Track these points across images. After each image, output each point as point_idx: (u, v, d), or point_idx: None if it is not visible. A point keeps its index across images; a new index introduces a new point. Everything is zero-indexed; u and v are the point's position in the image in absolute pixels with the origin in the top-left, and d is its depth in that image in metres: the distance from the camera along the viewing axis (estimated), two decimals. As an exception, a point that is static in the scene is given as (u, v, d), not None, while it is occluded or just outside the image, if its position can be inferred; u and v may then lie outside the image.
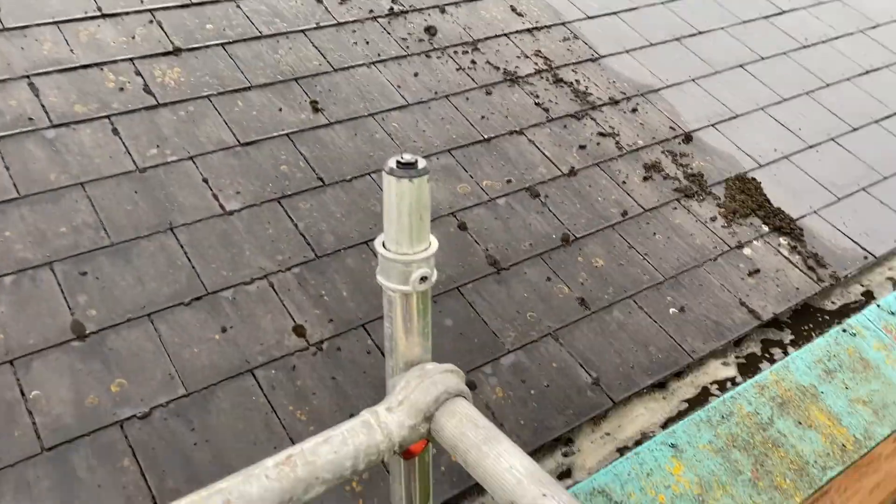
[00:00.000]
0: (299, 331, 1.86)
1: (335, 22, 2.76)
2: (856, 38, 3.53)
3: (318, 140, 2.35)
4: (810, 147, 2.87)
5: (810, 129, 2.95)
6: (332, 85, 2.54)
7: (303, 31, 2.69)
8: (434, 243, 1.13)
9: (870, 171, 2.84)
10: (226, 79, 2.42)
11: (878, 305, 2.38)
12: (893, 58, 3.47)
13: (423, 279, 1.11)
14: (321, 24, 2.73)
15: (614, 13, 3.24)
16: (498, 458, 1.01)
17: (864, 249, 2.53)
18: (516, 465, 1.00)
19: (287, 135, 2.34)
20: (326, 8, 2.80)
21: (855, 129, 3.00)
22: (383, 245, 1.13)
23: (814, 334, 2.28)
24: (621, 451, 1.89)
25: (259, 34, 2.61)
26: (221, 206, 2.08)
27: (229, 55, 2.51)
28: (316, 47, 2.65)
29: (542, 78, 2.83)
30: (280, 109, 2.40)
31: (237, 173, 2.18)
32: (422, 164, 1.01)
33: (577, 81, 2.87)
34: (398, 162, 1.01)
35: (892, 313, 2.38)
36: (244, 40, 2.58)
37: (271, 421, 1.68)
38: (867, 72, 3.33)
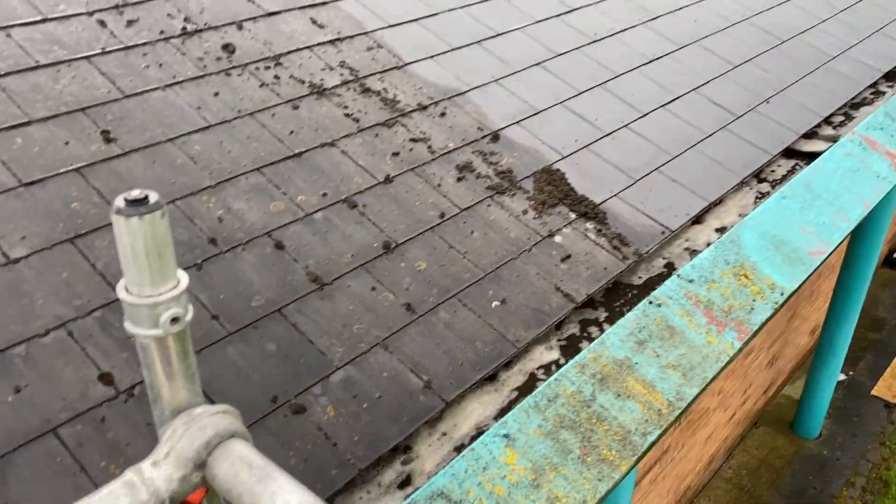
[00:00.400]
0: (106, 378, 1.74)
1: (123, 46, 2.61)
2: (638, 30, 3.83)
3: (113, 172, 2.21)
4: (606, 135, 3.08)
5: (605, 118, 3.16)
6: (125, 112, 2.39)
7: (87, 57, 2.51)
8: (183, 280, 1.07)
9: (660, 152, 3.08)
10: (-1, 115, 2.22)
11: (678, 275, 2.58)
12: (673, 46, 3.79)
13: (175, 320, 1.06)
14: (107, 49, 2.57)
15: (416, 20, 3.30)
16: (272, 497, 0.99)
17: (662, 225, 2.75)
18: (292, 502, 0.98)
19: (77, 170, 2.17)
20: (112, 32, 2.64)
21: (644, 115, 3.25)
22: (126, 290, 1.05)
23: (625, 309, 2.44)
24: (458, 449, 1.93)
25: (36, 64, 2.41)
26: (5, 255, 1.90)
27: (2, 88, 2.30)
28: (103, 74, 2.48)
29: (349, 89, 2.83)
30: (67, 143, 2.23)
31: (21, 216, 2.00)
32: (153, 198, 0.97)
33: (385, 90, 2.89)
34: (126, 199, 0.96)
35: (691, 281, 2.59)
36: (18, 72, 2.37)
37: (81, 481, 1.56)
38: (651, 61, 3.62)
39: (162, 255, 0.98)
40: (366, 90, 2.85)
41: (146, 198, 0.95)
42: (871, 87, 4.08)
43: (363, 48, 3.04)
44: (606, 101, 3.27)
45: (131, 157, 2.27)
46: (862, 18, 4.72)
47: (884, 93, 4.06)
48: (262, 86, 2.69)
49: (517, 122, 2.98)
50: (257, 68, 2.75)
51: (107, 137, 2.29)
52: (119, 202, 0.95)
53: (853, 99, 3.91)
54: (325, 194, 2.40)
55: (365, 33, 3.12)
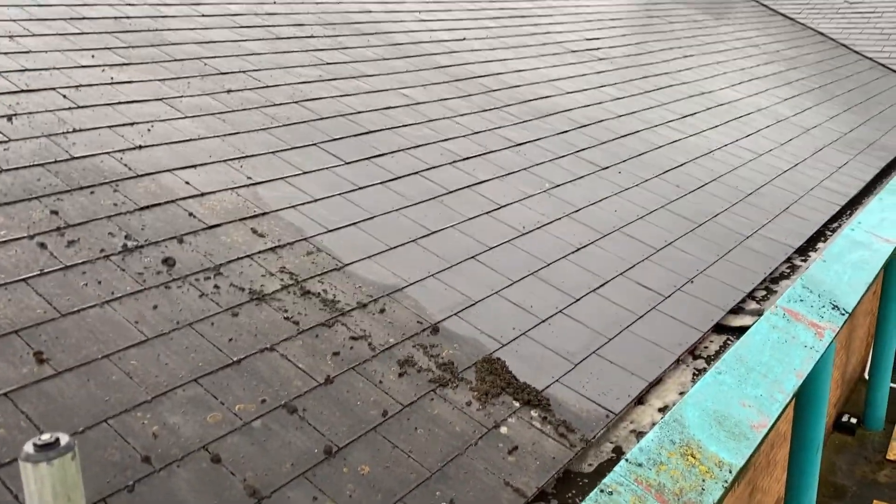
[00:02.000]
0: None
1: (62, 266, 2.65)
2: (564, 221, 4.08)
3: (44, 394, 2.15)
4: (543, 321, 3.17)
5: (540, 305, 3.27)
6: (60, 332, 2.38)
7: (24, 279, 2.54)
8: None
9: (596, 335, 3.18)
10: (-74, 342, 2.18)
11: (627, 460, 2.57)
12: (597, 235, 4.04)
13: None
14: (46, 270, 2.60)
15: (354, 224, 3.47)
16: None
17: (605, 408, 2.77)
18: None
19: (5, 394, 2.11)
20: (52, 253, 2.69)
21: (577, 300, 3.38)
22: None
23: (578, 500, 2.38)
24: None
25: (-29, 288, 2.42)
26: (-83, 493, 1.79)
27: (-68, 315, 2.28)
28: (40, 295, 2.50)
29: (289, 292, 2.89)
30: (-4, 367, 2.18)
31: (-61, 449, 1.91)
32: (64, 440, 0.95)
33: (325, 291, 2.96)
34: (35, 444, 0.95)
35: (640, 465, 2.57)
36: (-49, 297, 2.37)
37: None
38: (578, 249, 3.83)
39: (72, 498, 0.95)
40: (306, 293, 2.92)
41: (56, 441, 0.94)
42: (786, 261, 4.37)
43: (303, 253, 3.15)
44: (540, 289, 3.40)
45: (64, 378, 2.23)
46: (768, 201, 5.14)
47: (799, 266, 4.34)
48: (201, 296, 2.73)
49: (456, 314, 3.06)
50: (197, 279, 2.80)
51: (39, 358, 2.26)
52: (28, 448, 0.93)
53: (772, 274, 4.16)
54: (263, 401, 2.37)
55: (305, 239, 3.24)
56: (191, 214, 3.17)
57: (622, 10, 10.31)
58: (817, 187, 5.64)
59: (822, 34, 12.25)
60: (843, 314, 3.78)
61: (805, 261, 4.41)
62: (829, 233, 4.93)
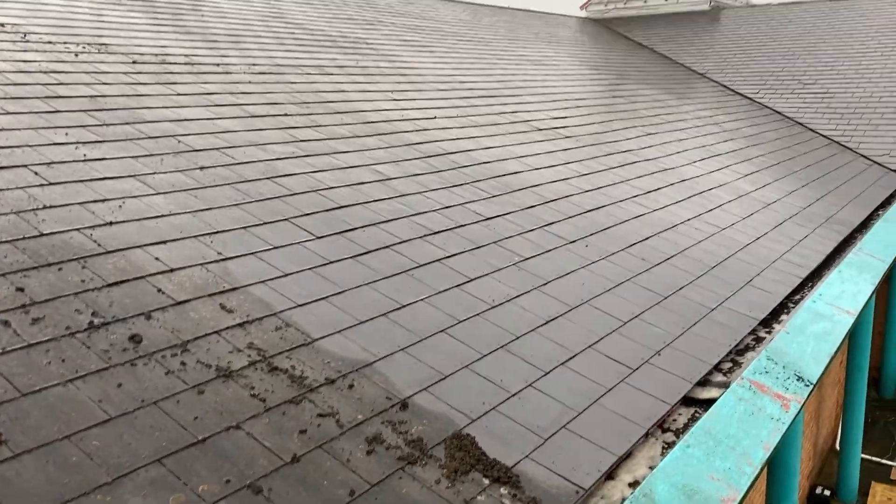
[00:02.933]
0: None
1: (25, 344, 2.62)
2: (533, 294, 4.13)
3: (0, 477, 2.09)
4: (513, 395, 3.17)
5: (510, 379, 3.28)
6: (20, 412, 2.33)
7: (-15, 356, 2.50)
8: None
9: (566, 409, 3.18)
10: None
11: (597, 535, 2.54)
12: (566, 307, 4.09)
13: None
14: (7, 349, 2.57)
15: (324, 298, 3.48)
16: None
17: (575, 484, 2.75)
18: None
19: (-41, 477, 2.06)
20: (15, 331, 2.66)
21: (546, 374, 3.40)
22: None
23: (548, 579, 2.34)
24: None
25: (-71, 367, 2.38)
26: None
27: None
28: (1, 375, 2.46)
29: (256, 369, 2.87)
30: (-49, 449, 2.13)
31: None
32: None
33: (293, 367, 2.95)
34: None
35: (610, 540, 2.55)
36: None
37: None
38: (547, 321, 3.87)
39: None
40: (273, 369, 2.90)
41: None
42: (751, 333, 4.44)
43: (271, 328, 3.15)
44: (510, 363, 3.42)
45: (22, 460, 2.17)
46: (732, 273, 5.27)
47: (763, 338, 4.42)
48: (167, 373, 2.70)
49: (425, 389, 3.05)
50: (164, 356, 2.78)
51: (-3, 439, 2.21)
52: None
53: (737, 346, 4.22)
54: (228, 481, 2.33)
55: (274, 314, 3.25)
56: (159, 290, 3.16)
57: (587, 91, 10.71)
58: (779, 260, 5.79)
59: (779, 113, 12.80)
60: (808, 385, 3.83)
61: (769, 332, 4.50)
62: (792, 305, 5.04)
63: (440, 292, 3.85)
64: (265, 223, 4.00)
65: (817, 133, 11.94)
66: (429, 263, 4.11)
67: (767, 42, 15.65)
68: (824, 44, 14.86)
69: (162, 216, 3.76)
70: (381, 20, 10.89)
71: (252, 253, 3.67)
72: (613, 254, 5.04)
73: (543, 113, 8.43)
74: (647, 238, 5.51)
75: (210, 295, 3.24)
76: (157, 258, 3.38)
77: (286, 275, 3.57)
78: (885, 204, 8.91)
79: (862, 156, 11.10)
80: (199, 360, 2.82)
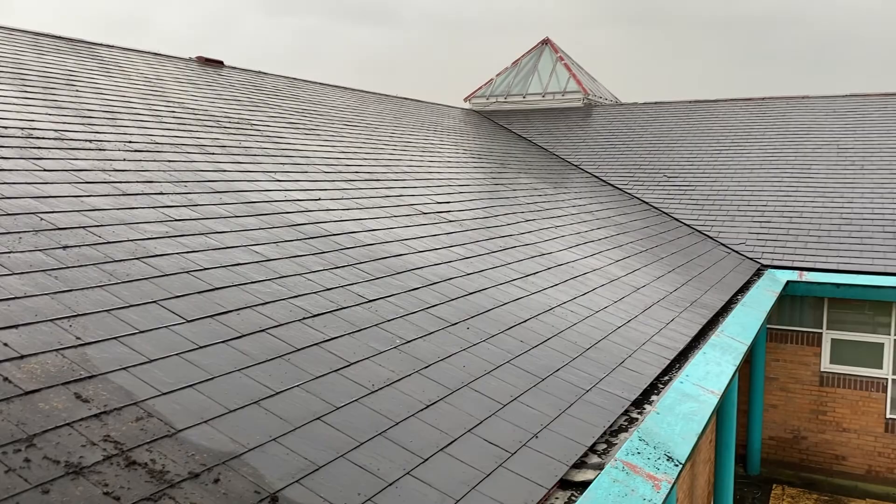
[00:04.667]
0: None
1: None
2: (414, 377, 4.10)
3: None
4: (390, 485, 3.08)
5: (387, 467, 3.19)
6: None
7: None
8: None
9: (444, 497, 3.12)
10: None
11: None
12: (446, 391, 4.07)
13: None
14: None
15: (191, 385, 3.30)
16: None
17: (452, 575, 2.67)
18: None
19: None
20: None
21: (425, 460, 3.33)
22: None
23: None
24: None
25: None
26: None
27: None
28: None
29: (111, 464, 2.65)
30: None
31: None
32: None
33: (153, 461, 2.75)
34: None
35: None
36: None
37: None
38: (427, 406, 3.82)
39: None
40: (131, 463, 2.69)
41: None
42: (623, 414, 4.57)
43: (131, 419, 2.93)
44: (388, 450, 3.34)
45: None
46: (605, 355, 5.45)
47: (636, 419, 4.56)
48: (7, 472, 2.44)
49: (297, 481, 2.92)
50: (5, 453, 2.52)
51: None
52: None
53: (611, 427, 4.33)
54: (70, 593, 2.10)
55: (134, 403, 3.04)
56: (6, 379, 2.89)
57: (470, 178, 11.08)
58: (648, 342, 6.06)
59: (646, 203, 13.68)
60: (678, 465, 3.96)
61: (641, 413, 4.64)
62: (662, 385, 5.26)
63: (317, 378, 3.75)
64: (131, 306, 3.79)
65: (681, 222, 12.82)
66: (307, 347, 4.01)
67: (635, 137, 16.87)
68: (685, 140, 16.18)
69: (15, 298, 3.49)
70: (267, 102, 10.92)
71: (114, 337, 3.45)
72: (494, 336, 5.11)
73: (427, 197, 8.61)
74: (526, 320, 5.64)
75: (64, 383, 2.99)
76: (5, 343, 3.11)
77: (151, 361, 3.37)
78: (743, 289, 9.60)
79: (721, 244, 11.98)
80: (47, 456, 2.57)
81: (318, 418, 3.39)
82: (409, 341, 4.54)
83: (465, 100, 20.79)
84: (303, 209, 6.41)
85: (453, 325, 5.06)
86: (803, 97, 16.84)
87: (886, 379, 10.93)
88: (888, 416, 10.91)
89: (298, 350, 3.96)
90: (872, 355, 11.02)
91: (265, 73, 13.38)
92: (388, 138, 11.78)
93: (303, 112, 11.28)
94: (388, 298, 5.11)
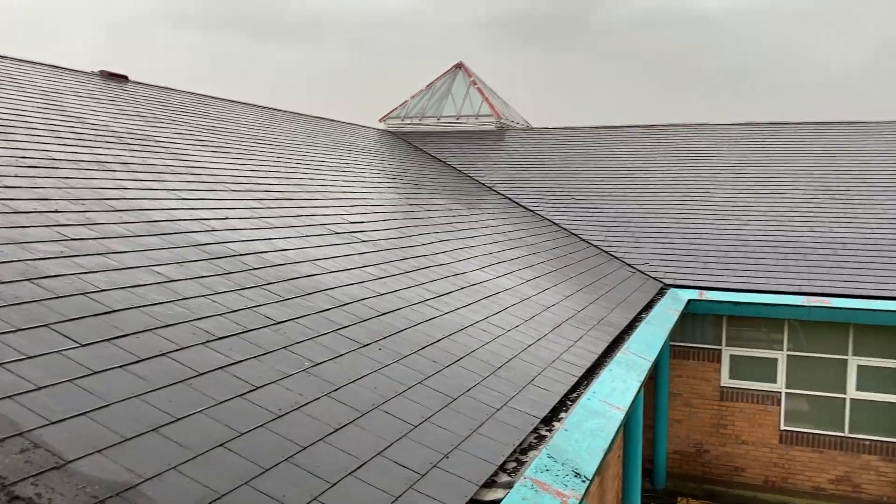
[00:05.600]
0: None
1: None
2: (322, 401, 4.02)
3: None
4: (296, 511, 3.00)
5: (294, 494, 3.10)
6: None
7: None
8: None
9: (352, 521, 3.05)
10: None
11: None
12: (356, 414, 4.01)
13: None
14: None
15: (83, 413, 3.12)
16: None
17: None
18: None
19: None
20: None
21: (333, 485, 3.26)
22: None
23: None
24: None
25: None
26: None
27: None
28: None
29: (-10, 500, 2.47)
30: None
31: None
32: None
33: (39, 495, 2.57)
34: None
35: None
36: None
37: None
38: (335, 430, 3.75)
39: None
40: (14, 499, 2.51)
41: None
42: (533, 432, 4.63)
43: (15, 451, 2.74)
44: (295, 476, 3.25)
45: None
46: (516, 373, 5.51)
47: (545, 437, 4.62)
48: None
49: (198, 512, 2.79)
50: None
51: None
52: None
53: (520, 445, 4.37)
54: None
55: (20, 434, 2.84)
56: None
57: (384, 198, 11.06)
58: (558, 360, 6.17)
59: (556, 224, 14.02)
60: (585, 481, 4.03)
61: (550, 431, 4.71)
62: (570, 402, 5.36)
63: (221, 403, 3.62)
64: (19, 330, 3.57)
65: (589, 243, 13.20)
66: (210, 371, 3.87)
67: (545, 161, 17.30)
68: (593, 164, 16.71)
69: None
70: (173, 119, 10.60)
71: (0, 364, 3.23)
72: (406, 356, 5.08)
73: (341, 217, 8.54)
74: (438, 340, 5.64)
75: (-62, 414, 2.77)
76: None
77: (39, 388, 3.17)
78: (647, 308, 9.94)
79: (627, 264, 12.40)
80: (-86, 495, 2.37)
81: (220, 445, 3.27)
82: (318, 364, 4.46)
83: (380, 120, 20.83)
84: (209, 228, 6.22)
85: (365, 346, 5.01)
86: (702, 124, 17.73)
87: (780, 392, 11.53)
88: (782, 428, 11.50)
89: (201, 374, 3.81)
90: (767, 370, 11.60)
91: (172, 89, 13.00)
92: (300, 157, 11.64)
93: (212, 129, 11.01)
94: (297, 320, 5.00)
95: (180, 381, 3.66)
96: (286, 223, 7.38)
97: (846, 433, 11.19)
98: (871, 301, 10.57)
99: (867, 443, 11.06)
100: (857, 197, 13.45)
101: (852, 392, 11.18)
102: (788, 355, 11.49)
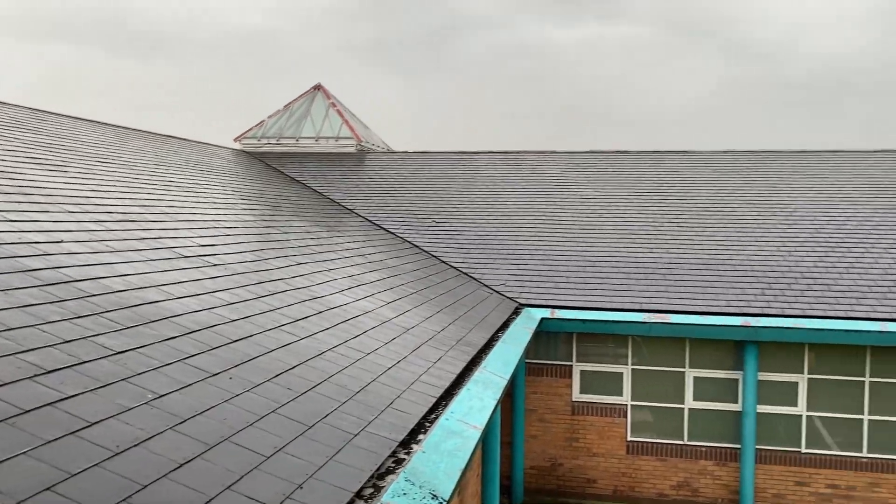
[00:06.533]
0: None
1: None
2: (167, 435, 3.78)
3: None
4: (133, 556, 2.78)
5: (131, 538, 2.88)
6: None
7: None
8: None
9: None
10: None
11: None
12: (203, 447, 3.80)
13: None
14: None
15: None
16: None
17: None
18: None
19: None
20: None
21: (176, 525, 3.07)
22: None
23: None
24: None
25: None
26: None
27: None
28: None
29: None
30: None
31: None
32: None
33: None
34: None
35: None
36: None
37: None
38: (180, 465, 3.54)
39: None
40: None
41: None
42: (391, 456, 4.59)
43: None
44: (133, 518, 3.02)
45: None
46: (375, 397, 5.46)
47: (403, 460, 4.59)
48: None
49: (18, 566, 2.52)
50: None
51: None
52: None
53: (378, 470, 4.32)
54: None
55: None
56: None
57: (239, 221, 10.71)
58: (417, 381, 6.19)
59: (417, 247, 14.15)
60: (442, 503, 4.04)
61: (409, 453, 4.70)
62: (429, 424, 5.37)
63: (49, 442, 3.31)
64: None
65: (448, 265, 13.42)
66: (37, 408, 3.54)
67: (406, 184, 17.47)
68: (452, 188, 17.07)
69: None
70: (4, 135, 9.73)
71: None
72: (259, 385, 4.90)
73: (190, 239, 8.15)
74: (294, 367, 5.49)
75: None
76: None
77: None
78: (503, 327, 10.22)
79: (484, 285, 12.71)
80: None
81: (48, 488, 2.98)
82: (162, 396, 4.20)
83: (236, 140, 20.21)
84: (40, 252, 5.73)
85: (214, 375, 4.78)
86: (552, 152, 18.62)
87: (626, 405, 12.20)
88: (629, 439, 12.15)
89: (27, 412, 3.48)
90: (614, 384, 12.25)
91: (5, 104, 11.96)
92: (147, 177, 11.04)
93: (48, 147, 10.21)
94: (139, 350, 4.70)
95: (1, 421, 3.31)
96: (129, 246, 6.94)
97: (685, 441, 12.00)
98: (704, 317, 11.46)
99: (703, 449, 11.92)
100: (690, 220, 14.60)
101: (690, 402, 12.03)
102: (633, 369, 12.20)
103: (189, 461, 3.62)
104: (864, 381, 11.47)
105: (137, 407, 3.97)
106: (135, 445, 3.58)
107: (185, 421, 4.02)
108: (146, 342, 4.85)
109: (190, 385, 4.49)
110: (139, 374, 4.37)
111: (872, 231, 13.59)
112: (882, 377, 11.42)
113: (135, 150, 13.00)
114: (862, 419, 11.48)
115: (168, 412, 4.04)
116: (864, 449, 11.46)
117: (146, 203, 9.19)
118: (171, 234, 8.10)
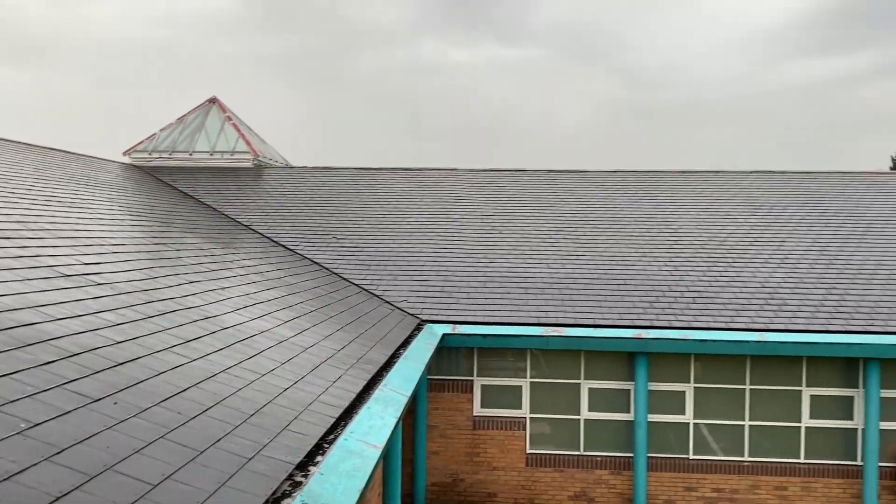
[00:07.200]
0: None
1: None
2: (41, 467, 3.52)
3: None
4: None
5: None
6: None
7: None
8: None
9: None
10: None
11: None
12: (83, 478, 3.57)
13: None
14: None
15: None
16: None
17: None
18: None
19: None
20: None
21: (51, 564, 2.86)
22: None
23: None
24: None
25: None
26: None
27: None
28: None
29: None
30: None
31: None
32: None
33: None
34: None
35: None
36: None
37: None
38: (57, 499, 3.31)
39: None
40: None
41: None
42: (288, 479, 4.47)
43: None
44: (1, 559, 2.79)
45: None
46: (271, 419, 5.31)
47: (300, 482, 4.48)
48: None
49: None
50: None
51: None
52: None
53: (274, 494, 4.18)
54: None
55: None
56: None
57: (126, 238, 10.21)
58: (315, 402, 6.06)
59: (317, 264, 13.93)
60: (340, 524, 3.96)
61: (306, 476, 4.58)
62: (327, 445, 5.27)
63: None
64: None
65: (350, 282, 13.29)
66: None
67: (306, 200, 17.21)
68: (353, 204, 16.95)
69: None
70: None
71: None
72: (146, 409, 4.66)
73: (72, 257, 7.70)
74: (185, 390, 5.26)
75: None
76: None
77: None
78: (405, 344, 10.19)
79: (386, 301, 12.65)
80: None
81: None
82: (37, 424, 3.92)
83: (125, 154, 19.33)
84: None
85: (97, 400, 4.51)
86: (452, 169, 18.83)
87: (525, 418, 12.41)
88: (528, 451, 12.35)
89: None
90: (514, 397, 12.45)
91: None
92: (24, 192, 10.37)
93: None
94: (12, 375, 4.38)
95: None
96: (3, 265, 6.48)
97: (582, 451, 12.32)
98: (597, 329, 11.84)
99: (599, 459, 12.27)
100: (583, 236, 15.10)
101: (585, 413, 12.37)
102: (531, 382, 12.44)
103: (67, 493, 3.39)
104: (744, 389, 12.16)
105: (9, 437, 3.69)
106: (6, 479, 3.32)
107: (64, 451, 3.76)
108: (20, 367, 4.53)
109: (70, 412, 4.22)
110: (11, 402, 4.06)
111: (750, 247, 14.49)
112: (761, 385, 12.14)
113: (12, 164, 12.20)
114: (743, 425, 12.15)
115: (44, 442, 3.77)
116: (746, 453, 12.12)
117: (23, 219, 8.62)
118: (52, 251, 7.63)
